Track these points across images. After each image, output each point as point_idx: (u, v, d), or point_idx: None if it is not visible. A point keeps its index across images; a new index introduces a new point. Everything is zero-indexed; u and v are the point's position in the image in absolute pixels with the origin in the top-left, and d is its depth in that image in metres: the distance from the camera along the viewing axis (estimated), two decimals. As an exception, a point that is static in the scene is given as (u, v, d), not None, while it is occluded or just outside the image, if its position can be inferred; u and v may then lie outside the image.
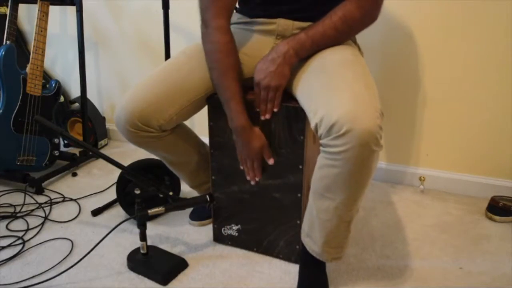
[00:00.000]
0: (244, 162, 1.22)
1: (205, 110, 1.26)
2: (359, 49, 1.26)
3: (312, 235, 1.14)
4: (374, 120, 0.92)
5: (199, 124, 2.09)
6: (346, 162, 0.94)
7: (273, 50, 1.09)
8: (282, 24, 1.19)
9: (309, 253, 1.16)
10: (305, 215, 1.16)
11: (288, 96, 1.16)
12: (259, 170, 1.22)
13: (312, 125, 0.99)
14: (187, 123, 1.36)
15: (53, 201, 1.69)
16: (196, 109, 1.25)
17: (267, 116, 1.14)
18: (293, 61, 1.09)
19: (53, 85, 1.82)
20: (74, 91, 2.39)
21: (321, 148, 1.00)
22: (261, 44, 1.21)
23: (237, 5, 1.29)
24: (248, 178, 1.25)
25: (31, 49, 1.73)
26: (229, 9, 1.13)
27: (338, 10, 1.07)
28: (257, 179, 1.24)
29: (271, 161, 1.20)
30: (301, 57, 1.10)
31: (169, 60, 1.26)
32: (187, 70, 1.19)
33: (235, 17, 1.27)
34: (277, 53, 1.07)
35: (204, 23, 1.12)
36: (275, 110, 1.13)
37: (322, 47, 1.11)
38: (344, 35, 1.12)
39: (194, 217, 1.52)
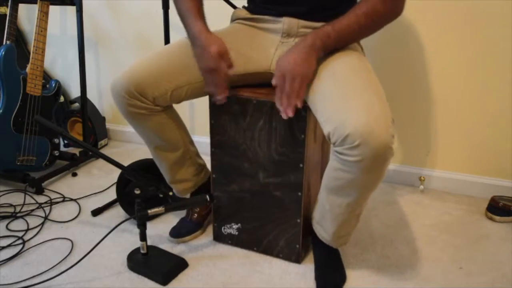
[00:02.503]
0: (206, 78, 1.15)
1: (205, 110, 1.26)
2: (361, 48, 1.26)
3: (323, 225, 1.19)
4: (387, 130, 0.95)
5: (199, 124, 2.10)
6: (360, 170, 0.98)
7: (299, 43, 1.06)
8: (288, 22, 1.19)
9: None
10: (316, 204, 1.20)
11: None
12: (224, 83, 1.15)
13: (325, 133, 1.01)
14: (185, 124, 1.36)
15: (53, 201, 1.69)
16: (193, 93, 1.23)
17: (290, 114, 1.06)
18: (320, 54, 1.07)
19: (53, 85, 1.81)
20: (74, 91, 2.39)
21: (334, 153, 1.02)
22: (266, 42, 1.21)
23: (246, 4, 1.31)
24: (214, 99, 1.19)
25: (31, 49, 1.73)
26: None
27: (362, 5, 1.06)
28: (225, 92, 1.17)
29: (231, 70, 1.13)
30: (327, 50, 1.08)
31: (174, 41, 1.26)
32: (190, 52, 1.17)
33: (243, 13, 1.28)
34: (305, 44, 1.05)
35: None
36: (299, 105, 1.06)
37: (346, 41, 1.11)
38: (367, 30, 1.11)
39: (173, 233, 1.42)
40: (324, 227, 1.19)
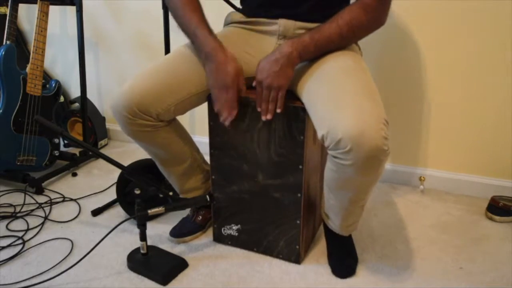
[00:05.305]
0: (218, 95, 1.12)
1: (205, 110, 1.26)
2: (359, 48, 1.26)
3: (330, 216, 1.24)
4: (379, 133, 0.95)
5: (199, 124, 2.10)
6: (355, 172, 0.99)
7: (276, 50, 1.09)
8: (284, 24, 1.19)
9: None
10: (323, 197, 1.23)
11: (291, 95, 1.16)
12: (236, 103, 1.13)
13: (319, 136, 1.02)
14: (186, 123, 1.36)
15: (53, 201, 1.69)
16: (196, 103, 1.24)
17: (269, 117, 1.12)
18: (296, 63, 1.09)
19: (53, 85, 1.82)
20: (74, 91, 2.39)
21: (329, 155, 1.03)
22: (263, 44, 1.21)
23: (239, 5, 1.30)
24: (222, 118, 1.15)
25: (31, 49, 1.73)
26: None
27: (344, 14, 1.07)
28: (234, 112, 1.14)
29: (243, 92, 1.13)
30: (304, 60, 1.11)
31: (171, 52, 1.26)
32: (189, 63, 1.19)
33: (237, 16, 1.28)
34: (281, 53, 1.07)
35: None
36: (278, 111, 1.11)
37: (326, 51, 1.11)
38: (348, 41, 1.13)
39: (174, 233, 1.42)
40: (331, 218, 1.24)
